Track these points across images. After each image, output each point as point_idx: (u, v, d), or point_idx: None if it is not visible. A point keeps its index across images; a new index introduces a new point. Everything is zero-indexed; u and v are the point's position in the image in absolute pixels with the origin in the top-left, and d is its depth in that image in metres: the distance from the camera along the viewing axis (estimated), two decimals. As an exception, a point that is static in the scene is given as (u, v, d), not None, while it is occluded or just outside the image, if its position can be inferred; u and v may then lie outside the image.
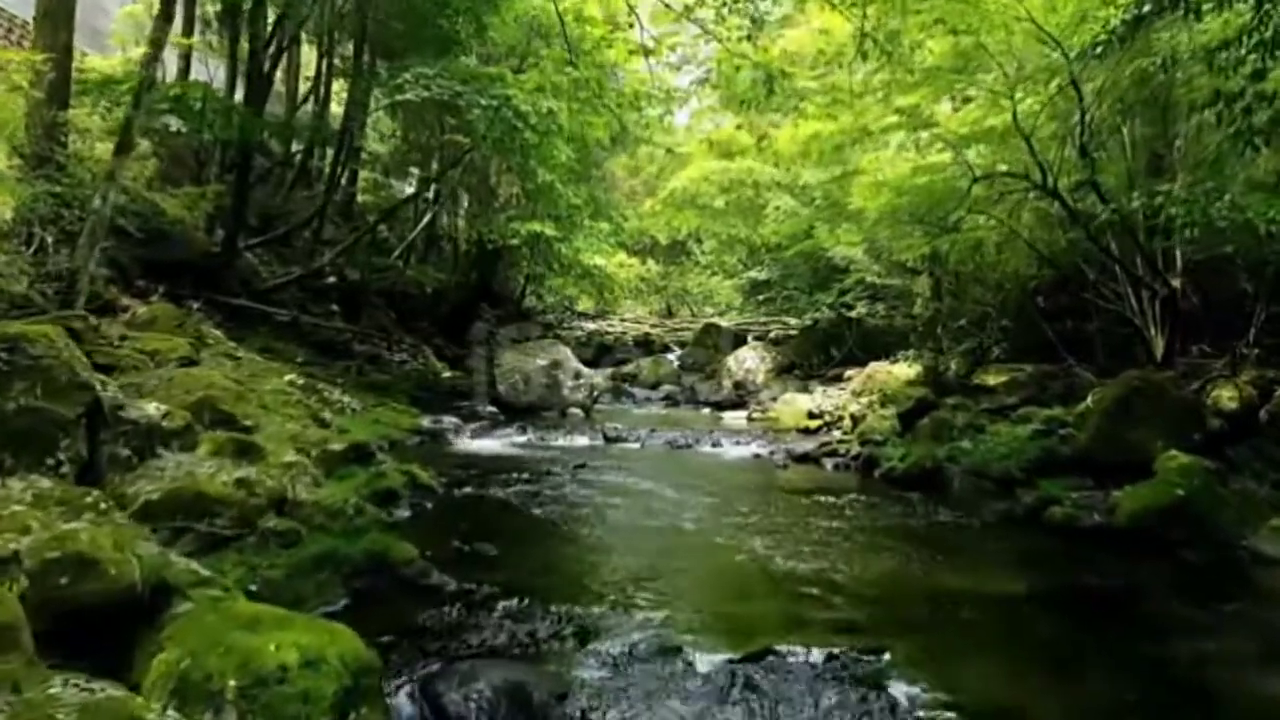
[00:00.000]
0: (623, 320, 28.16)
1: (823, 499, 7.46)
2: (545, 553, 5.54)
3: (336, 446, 6.66)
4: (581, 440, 10.70)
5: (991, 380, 10.25)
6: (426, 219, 17.48)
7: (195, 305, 11.27)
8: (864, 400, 10.99)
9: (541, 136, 11.34)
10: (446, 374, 17.30)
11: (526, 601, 4.37)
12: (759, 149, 10.89)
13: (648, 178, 16.95)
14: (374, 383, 12.88)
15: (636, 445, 10.52)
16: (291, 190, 16.88)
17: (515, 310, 24.21)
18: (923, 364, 11.67)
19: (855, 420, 10.77)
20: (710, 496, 7.37)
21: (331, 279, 16.19)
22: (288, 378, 10.24)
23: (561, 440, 10.68)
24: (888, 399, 10.97)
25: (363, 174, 19.96)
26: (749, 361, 16.37)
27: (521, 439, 10.73)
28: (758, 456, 9.79)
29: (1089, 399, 8.51)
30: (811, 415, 11.42)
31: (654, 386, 17.30)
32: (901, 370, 12.10)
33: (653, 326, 27.22)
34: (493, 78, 10.58)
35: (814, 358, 16.10)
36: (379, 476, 6.50)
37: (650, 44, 8.29)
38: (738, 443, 10.44)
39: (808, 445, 10.02)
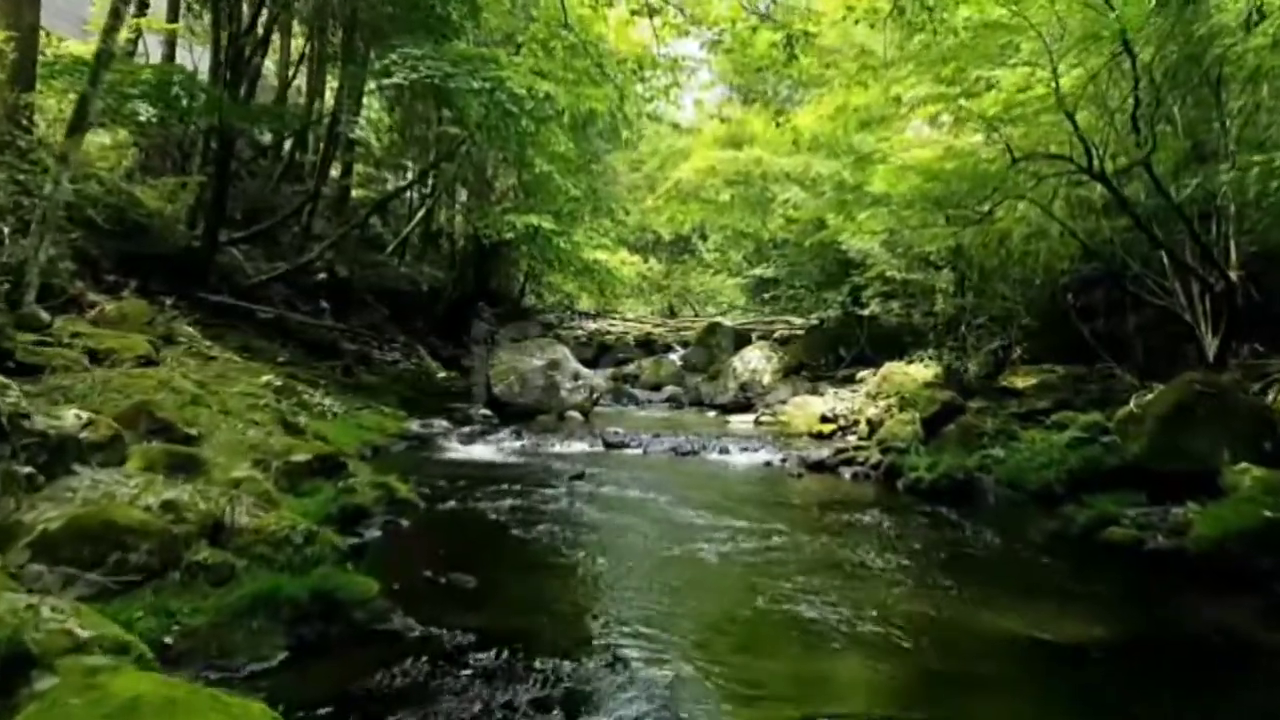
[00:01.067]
0: (624, 320, 27.33)
1: (844, 516, 6.63)
2: (532, 586, 4.71)
3: (301, 457, 5.83)
4: (580, 446, 9.88)
5: (1020, 382, 9.42)
6: (421, 214, 16.68)
7: (169, 302, 10.45)
8: (881, 403, 10.15)
9: (538, 123, 10.51)
10: (441, 374, 16.49)
11: (505, 654, 3.55)
12: (776, 124, 10.04)
13: (650, 173, 16.10)
14: (361, 384, 12.07)
15: (638, 451, 9.70)
16: (280, 183, 16.08)
17: (515, 309, 23.38)
18: (942, 364, 10.83)
19: (872, 425, 9.93)
20: (719, 514, 6.54)
21: (321, 276, 15.37)
22: (263, 379, 9.44)
23: (558, 446, 9.85)
24: (906, 402, 10.13)
25: (358, 168, 19.20)
26: (754, 362, 15.54)
27: (516, 444, 9.91)
28: (769, 465, 8.96)
29: (1132, 403, 7.69)
30: (825, 419, 10.59)
31: (656, 388, 16.47)
32: (919, 371, 11.27)
33: (655, 326, 26.38)
34: (485, 59, 9.75)
35: (822, 358, 15.26)
36: (347, 492, 5.67)
37: (655, 2, 7.43)
38: (746, 449, 9.62)
39: (822, 452, 9.19)
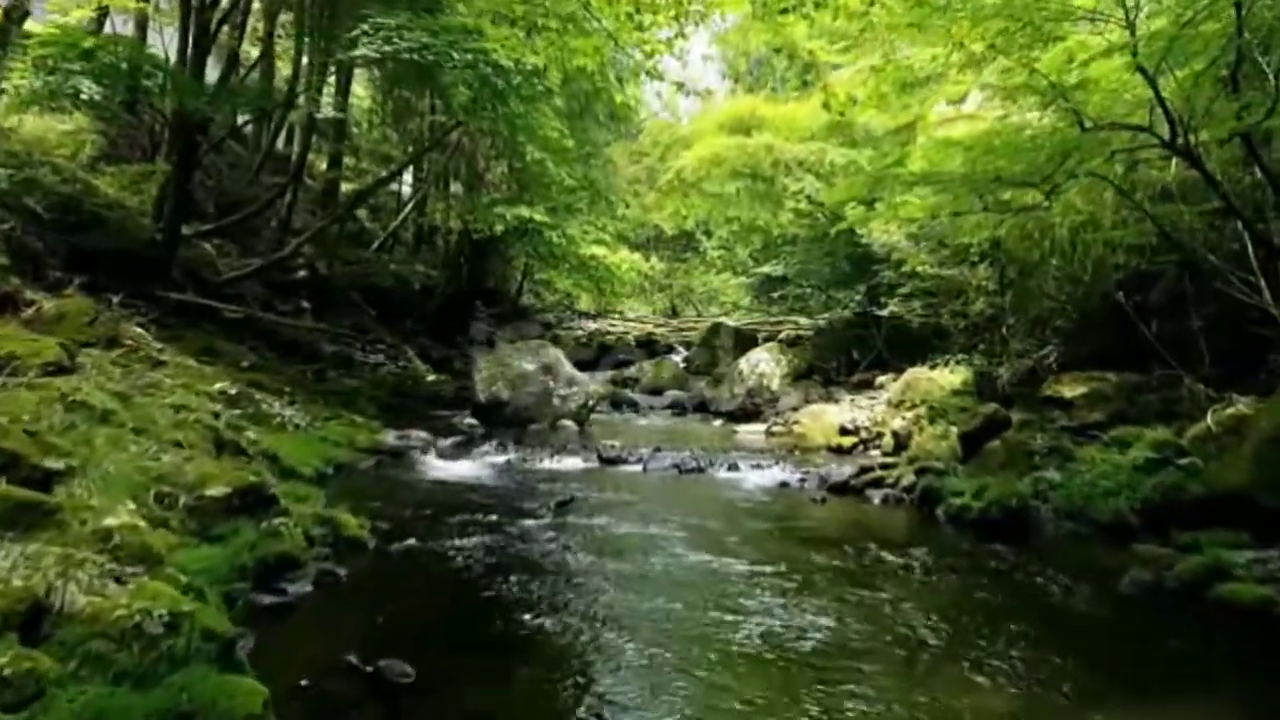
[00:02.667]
0: (625, 320, 26.15)
1: (882, 558, 5.42)
2: (491, 677, 3.50)
3: (217, 491, 4.62)
4: (573, 462, 8.67)
5: (1066, 391, 8.19)
6: (409, 207, 15.49)
7: (116, 299, 9.25)
8: (907, 414, 8.94)
9: (527, 103, 9.31)
10: (431, 378, 15.26)
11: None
12: (804, 83, 8.91)
13: (651, 164, 14.89)
14: (337, 390, 10.86)
15: (637, 468, 8.49)
16: (259, 174, 14.90)
17: (512, 309, 22.22)
18: (973, 370, 9.60)
19: (899, 439, 8.72)
20: (732, 555, 5.34)
21: (302, 273, 14.18)
22: (217, 385, 8.26)
23: (548, 462, 8.65)
24: (936, 413, 8.92)
25: (350, 161, 18.00)
26: (762, 365, 14.30)
27: (501, 460, 8.71)
28: (785, 486, 7.74)
29: (1209, 418, 6.48)
30: (844, 431, 9.37)
31: (658, 391, 15.26)
32: (945, 377, 10.04)
33: (656, 326, 25.22)
34: (468, 30, 8.53)
35: (834, 361, 14.03)
36: (271, 535, 4.47)
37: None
38: (758, 466, 8.40)
39: (844, 470, 7.97)
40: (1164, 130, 5.69)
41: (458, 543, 5.38)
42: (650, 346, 21.98)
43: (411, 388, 13.68)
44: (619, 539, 5.75)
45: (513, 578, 4.74)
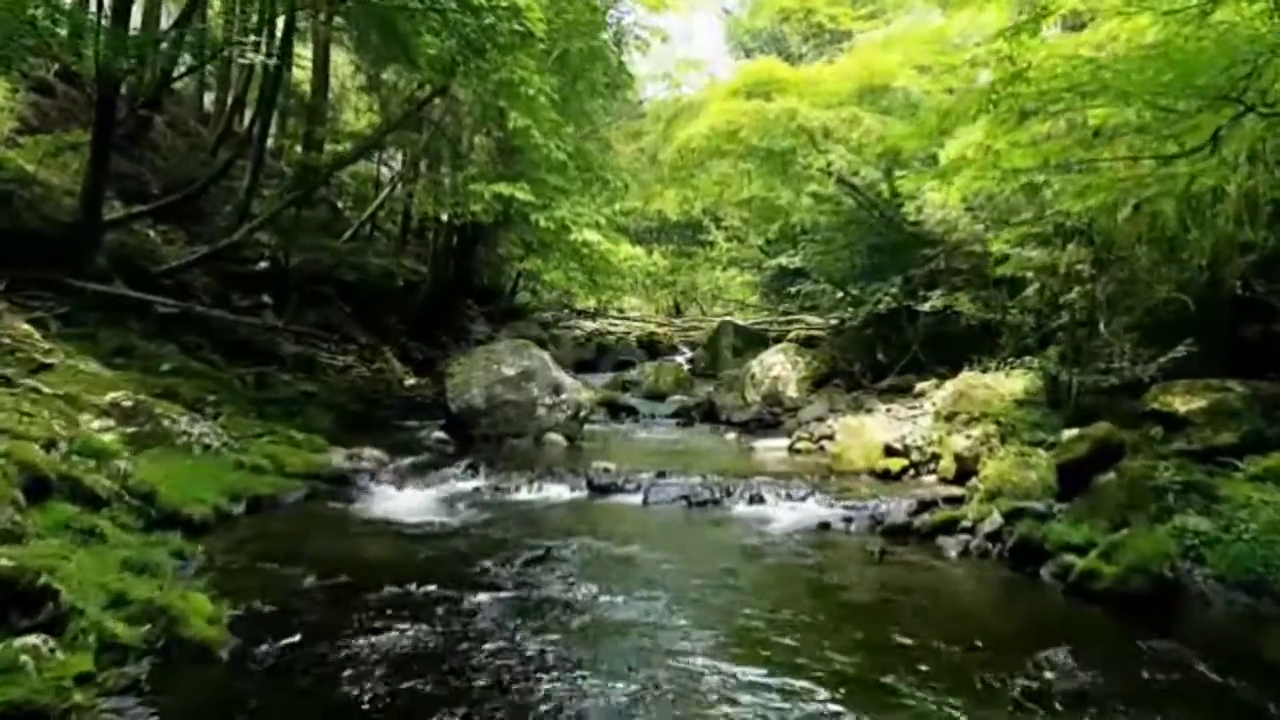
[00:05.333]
0: (626, 319, 24.29)
1: (992, 664, 3.52)
2: None
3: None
4: (557, 490, 6.80)
5: (1179, 404, 6.28)
6: (385, 192, 13.65)
7: (-1, 288, 7.39)
8: (973, 432, 7.01)
9: (503, 51, 7.42)
10: (410, 381, 13.40)
11: None
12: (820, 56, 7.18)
13: (652, 144, 12.97)
14: (281, 397, 8.93)
15: (636, 499, 6.60)
16: (216, 153, 13.04)
17: (507, 306, 20.35)
18: (1040, 374, 7.69)
19: (963, 463, 6.82)
20: (766, 662, 3.46)
21: (263, 264, 12.29)
22: (110, 397, 6.38)
23: (526, 490, 6.77)
24: (1005, 429, 7.01)
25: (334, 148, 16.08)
26: (776, 368, 12.40)
27: (469, 487, 6.84)
28: (825, 527, 5.84)
29: None
30: (890, 451, 7.45)
31: (661, 397, 13.35)
32: (1004, 383, 8.13)
33: (659, 326, 23.40)
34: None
35: (858, 364, 12.10)
36: (11, 672, 2.57)
37: None
38: (788, 496, 6.50)
39: (899, 506, 6.08)
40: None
41: (364, 643, 3.49)
42: (652, 347, 20.20)
43: (383, 394, 11.81)
44: (605, 626, 3.86)
45: (441, 691, 2.86)
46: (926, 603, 4.39)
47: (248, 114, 14.40)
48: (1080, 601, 4.37)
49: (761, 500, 6.45)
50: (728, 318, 20.22)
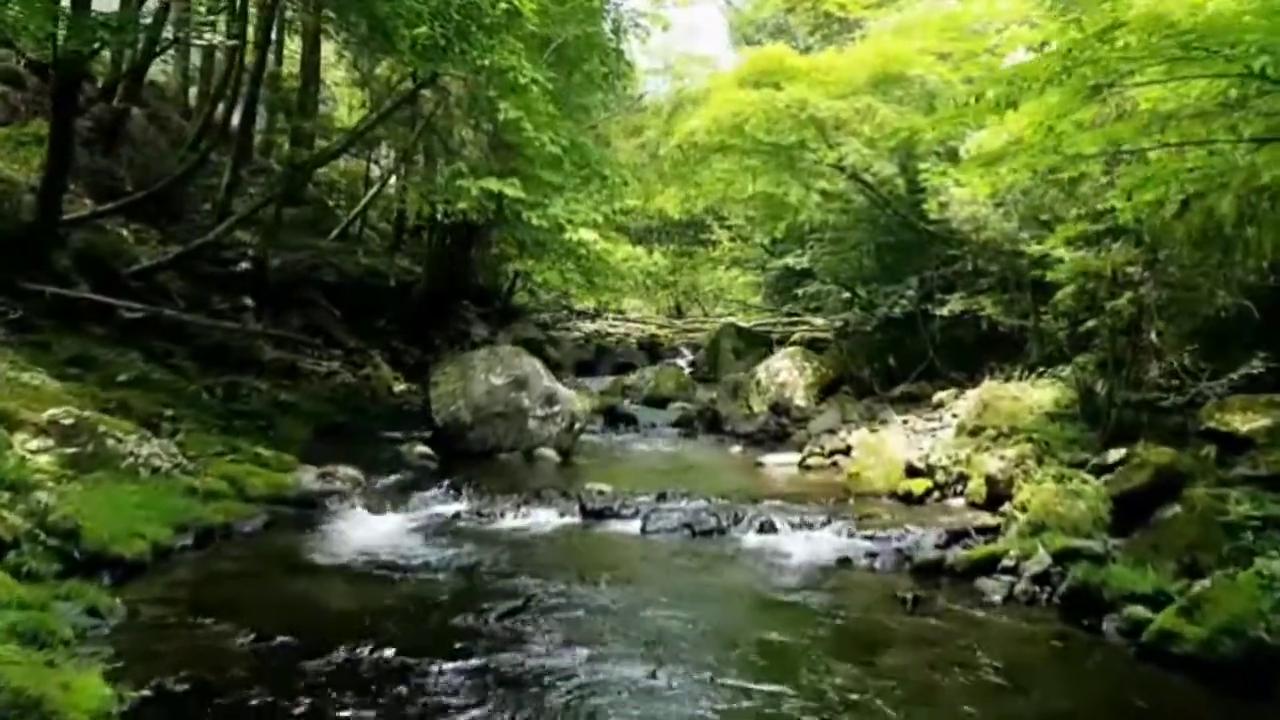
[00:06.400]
0: (626, 320, 23.56)
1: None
2: None
3: None
4: (546, 516, 6.10)
5: (1239, 422, 5.56)
6: (374, 189, 12.96)
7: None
8: (1005, 452, 6.28)
9: (490, 33, 6.71)
10: (400, 387, 12.65)
11: None
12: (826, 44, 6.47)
13: (652, 140, 12.26)
14: (253, 409, 8.21)
15: (633, 527, 5.89)
16: (196, 149, 12.35)
17: (505, 307, 19.62)
18: (1074, 384, 6.98)
19: (996, 486, 6.11)
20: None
21: (244, 265, 11.57)
22: (49, 413, 5.68)
23: (512, 517, 6.07)
24: (1042, 449, 6.29)
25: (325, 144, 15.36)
26: (783, 374, 11.70)
27: (449, 511, 6.14)
28: (846, 563, 5.13)
29: None
30: (912, 471, 6.74)
31: (661, 403, 12.61)
32: (1031, 394, 7.41)
33: (660, 327, 22.68)
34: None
35: (868, 370, 11.37)
36: None
37: None
38: (802, 524, 5.80)
39: (925, 536, 5.39)
40: None
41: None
42: (653, 349, 19.48)
43: (370, 401, 11.10)
44: (586, 709, 3.14)
45: None
46: (973, 667, 3.68)
47: (237, 110, 13.82)
48: (1156, 668, 3.66)
49: (773, 529, 5.74)
50: (730, 319, 19.51)
